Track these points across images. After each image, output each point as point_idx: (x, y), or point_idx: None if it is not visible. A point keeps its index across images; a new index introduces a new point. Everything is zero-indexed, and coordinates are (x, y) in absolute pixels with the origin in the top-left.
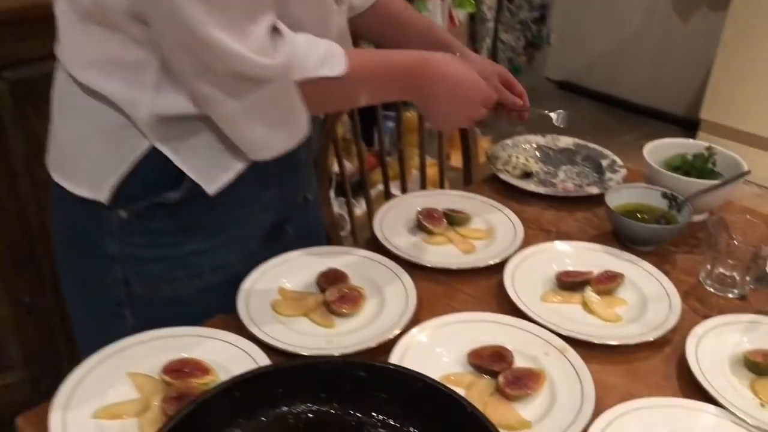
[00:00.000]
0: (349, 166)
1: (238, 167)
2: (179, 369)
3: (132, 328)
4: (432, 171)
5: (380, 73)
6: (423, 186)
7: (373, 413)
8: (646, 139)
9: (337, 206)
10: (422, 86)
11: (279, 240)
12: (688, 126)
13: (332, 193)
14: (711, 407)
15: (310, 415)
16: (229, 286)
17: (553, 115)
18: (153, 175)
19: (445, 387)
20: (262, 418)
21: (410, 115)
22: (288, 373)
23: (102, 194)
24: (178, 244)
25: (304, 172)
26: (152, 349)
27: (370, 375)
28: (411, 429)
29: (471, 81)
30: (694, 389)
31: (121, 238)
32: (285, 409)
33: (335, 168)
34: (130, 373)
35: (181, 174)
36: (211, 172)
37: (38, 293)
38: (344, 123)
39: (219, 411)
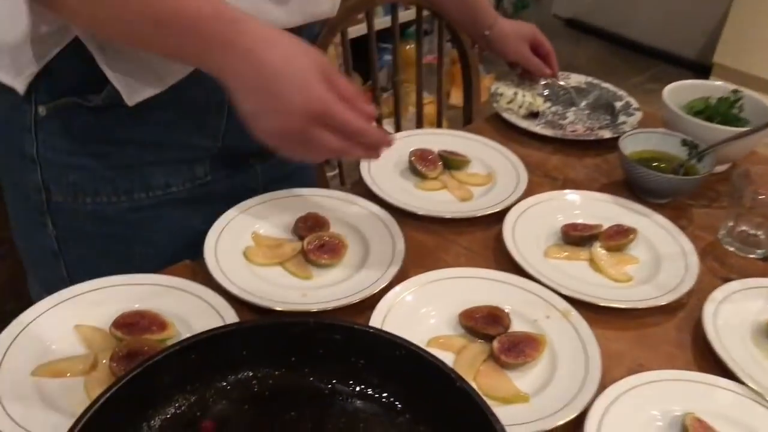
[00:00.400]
0: None
1: (167, 81)
2: (133, 323)
3: (53, 239)
4: (430, 109)
5: (151, 10)
6: (419, 125)
7: (350, 381)
8: (655, 83)
9: None
10: (216, 58)
11: (242, 176)
12: (700, 70)
13: None
14: (729, 382)
15: (277, 381)
16: (168, 210)
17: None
18: (76, 71)
19: (431, 355)
20: (223, 384)
21: (409, 48)
22: (253, 333)
23: (20, 82)
24: (102, 156)
25: None
26: (105, 299)
27: (347, 338)
28: (391, 399)
29: (295, 75)
30: (710, 361)
31: (39, 137)
32: (249, 373)
33: None
34: (78, 325)
35: (106, 78)
36: (135, 84)
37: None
38: (338, 54)
39: (172, 375)
